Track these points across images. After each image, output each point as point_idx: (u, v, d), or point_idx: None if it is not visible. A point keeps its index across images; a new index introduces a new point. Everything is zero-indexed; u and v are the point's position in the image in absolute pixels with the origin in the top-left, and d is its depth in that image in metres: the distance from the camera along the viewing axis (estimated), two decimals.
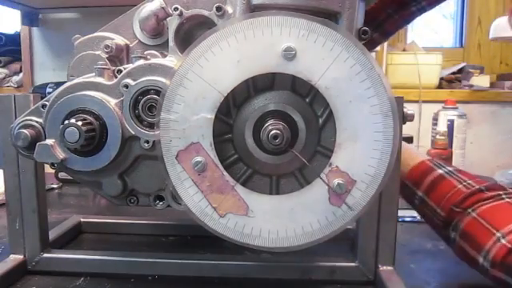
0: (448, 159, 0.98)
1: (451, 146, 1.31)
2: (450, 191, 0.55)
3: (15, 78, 1.76)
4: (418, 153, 0.65)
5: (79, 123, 0.46)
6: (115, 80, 0.49)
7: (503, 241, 0.46)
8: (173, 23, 0.51)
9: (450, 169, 0.59)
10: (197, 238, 0.69)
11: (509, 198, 0.51)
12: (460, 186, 0.55)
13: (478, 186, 0.53)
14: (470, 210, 0.52)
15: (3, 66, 1.81)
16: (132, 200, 0.52)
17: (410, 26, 2.19)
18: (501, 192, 0.52)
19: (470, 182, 0.55)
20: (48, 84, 1.32)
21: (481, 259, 0.49)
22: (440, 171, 0.58)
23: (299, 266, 0.55)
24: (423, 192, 0.58)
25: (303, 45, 0.41)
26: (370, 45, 0.79)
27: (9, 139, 0.50)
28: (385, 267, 0.53)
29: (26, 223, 0.56)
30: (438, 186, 0.57)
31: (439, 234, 0.58)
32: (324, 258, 0.56)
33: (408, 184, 0.60)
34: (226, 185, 0.44)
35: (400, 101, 0.47)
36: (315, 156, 0.46)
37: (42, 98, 0.51)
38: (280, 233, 0.44)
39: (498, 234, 0.47)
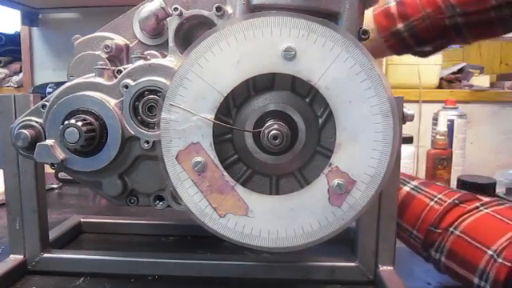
0: (448, 159, 0.98)
1: (451, 146, 1.31)
2: (423, 211, 0.54)
3: (15, 78, 1.76)
4: None
5: (79, 123, 0.46)
6: (115, 80, 0.49)
7: (499, 259, 0.45)
8: (173, 23, 0.51)
9: (415, 183, 0.58)
10: (197, 238, 0.69)
11: (486, 208, 0.51)
12: (432, 203, 0.54)
13: (450, 200, 0.53)
14: (451, 229, 0.50)
15: (3, 66, 1.81)
16: (132, 200, 0.52)
17: None
18: (477, 204, 0.51)
19: (440, 196, 0.54)
20: (48, 84, 1.32)
21: (476, 279, 0.47)
22: (406, 188, 0.58)
23: (299, 266, 0.55)
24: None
25: (303, 45, 0.41)
26: (402, 47, 0.76)
27: (9, 139, 0.50)
28: (385, 267, 0.53)
29: (26, 223, 0.56)
30: (409, 206, 0.56)
31: (418, 254, 0.57)
32: (324, 258, 0.56)
33: None
34: (225, 185, 0.44)
35: (400, 101, 0.47)
36: (315, 156, 0.46)
37: (41, 98, 0.51)
38: (280, 233, 0.44)
39: (490, 252, 0.46)
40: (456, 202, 0.52)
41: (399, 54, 0.79)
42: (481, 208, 0.51)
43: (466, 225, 0.50)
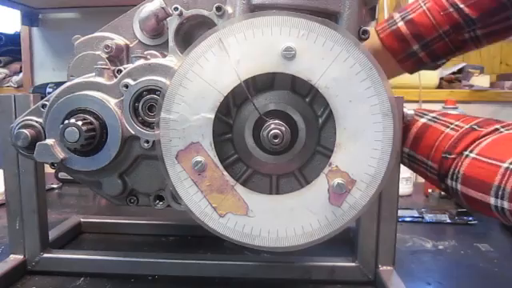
0: None
1: None
2: (438, 138, 0.49)
3: (15, 78, 1.76)
4: None
5: (79, 123, 0.46)
6: (115, 80, 0.49)
7: None
8: (173, 23, 0.51)
9: (434, 114, 0.54)
10: (197, 238, 0.69)
11: (507, 130, 0.46)
12: (447, 130, 0.49)
13: (468, 125, 0.48)
14: (467, 153, 0.46)
15: (3, 66, 1.80)
16: (132, 200, 0.52)
17: None
18: (497, 126, 0.46)
19: (457, 123, 0.50)
20: (48, 84, 1.32)
21: (492, 199, 0.42)
22: (423, 120, 0.53)
23: (299, 266, 0.55)
24: (409, 147, 0.53)
25: (303, 45, 0.41)
26: (417, 65, 0.70)
27: (9, 139, 0.50)
28: (385, 267, 0.53)
29: (26, 223, 0.56)
30: (424, 136, 0.52)
31: (439, 188, 0.53)
32: (324, 258, 0.56)
33: None
34: (225, 185, 0.44)
35: (400, 101, 0.47)
36: (315, 156, 0.46)
37: (41, 98, 0.51)
38: (280, 232, 0.44)
39: (505, 165, 0.41)
40: (474, 127, 0.48)
41: (412, 72, 0.73)
42: (501, 130, 0.46)
43: (483, 146, 0.45)
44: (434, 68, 0.74)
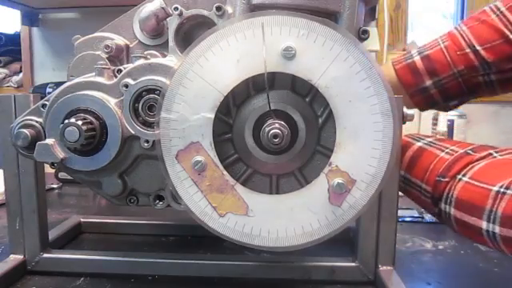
0: None
1: None
2: (433, 162, 0.50)
3: (15, 78, 1.76)
4: None
5: (79, 123, 0.46)
6: (115, 80, 0.49)
7: (509, 191, 0.39)
8: (173, 23, 0.51)
9: (430, 139, 0.55)
10: (197, 238, 0.69)
11: (501, 155, 0.46)
12: (442, 153, 0.50)
13: (462, 150, 0.48)
14: (460, 176, 0.46)
15: (3, 66, 1.81)
16: (132, 200, 0.52)
17: (409, 26, 2.19)
18: (491, 151, 0.47)
19: (452, 147, 0.50)
20: (48, 84, 1.32)
21: (484, 224, 0.42)
22: (419, 144, 0.54)
23: (299, 266, 0.55)
24: (404, 170, 0.54)
25: (303, 44, 0.41)
26: (428, 102, 0.68)
27: (9, 139, 0.50)
28: (385, 267, 0.53)
29: (25, 223, 0.56)
30: (419, 159, 0.52)
31: (431, 213, 0.53)
32: (324, 258, 0.56)
33: None
34: (225, 184, 0.44)
35: (400, 101, 0.47)
36: (315, 155, 0.46)
37: (41, 98, 0.51)
38: (280, 232, 0.44)
39: (496, 188, 0.41)
40: (468, 151, 0.48)
41: (423, 109, 0.71)
42: (495, 155, 0.47)
43: (476, 170, 0.45)
44: (446, 109, 0.72)
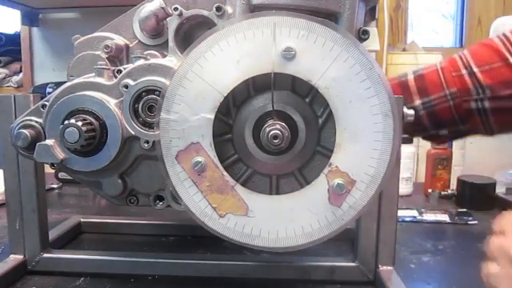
0: (448, 159, 0.98)
1: (451, 146, 1.31)
2: (439, 75, 0.59)
3: (15, 78, 1.76)
4: None
5: (79, 123, 0.46)
6: (115, 80, 0.49)
7: None
8: (173, 23, 0.51)
9: (413, 69, 0.63)
10: (197, 238, 0.69)
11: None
12: (439, 66, 0.60)
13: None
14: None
15: (3, 66, 1.81)
16: (132, 200, 0.52)
17: (409, 26, 2.19)
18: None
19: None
20: (48, 84, 1.32)
21: None
22: (411, 76, 0.62)
23: (299, 266, 0.55)
24: (420, 98, 0.61)
25: (303, 45, 0.41)
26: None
27: (9, 139, 0.50)
28: (385, 267, 0.53)
29: (26, 223, 0.56)
30: (424, 80, 0.60)
31: (459, 114, 0.58)
32: (324, 258, 0.56)
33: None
34: (225, 185, 0.44)
35: (400, 101, 0.47)
36: (315, 156, 0.46)
37: (41, 98, 0.51)
38: (280, 233, 0.44)
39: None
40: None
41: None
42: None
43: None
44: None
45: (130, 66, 0.49)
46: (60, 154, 0.48)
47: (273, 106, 0.44)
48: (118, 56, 0.55)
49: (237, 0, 0.47)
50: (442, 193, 0.94)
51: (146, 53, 0.52)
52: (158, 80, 0.47)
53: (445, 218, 0.81)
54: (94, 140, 0.47)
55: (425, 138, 0.70)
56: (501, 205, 0.86)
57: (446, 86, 0.60)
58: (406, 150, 0.98)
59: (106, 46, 0.53)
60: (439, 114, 0.61)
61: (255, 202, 0.44)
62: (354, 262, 0.55)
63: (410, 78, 0.64)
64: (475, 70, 0.58)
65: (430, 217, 0.82)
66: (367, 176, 0.42)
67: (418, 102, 0.63)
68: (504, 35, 0.58)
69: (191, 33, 0.53)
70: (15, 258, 0.56)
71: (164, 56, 0.53)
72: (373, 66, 0.41)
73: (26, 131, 0.49)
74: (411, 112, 0.51)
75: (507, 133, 0.63)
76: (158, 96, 0.46)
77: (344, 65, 0.41)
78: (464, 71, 0.56)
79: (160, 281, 0.55)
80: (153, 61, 0.49)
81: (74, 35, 0.56)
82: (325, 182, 0.43)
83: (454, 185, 0.96)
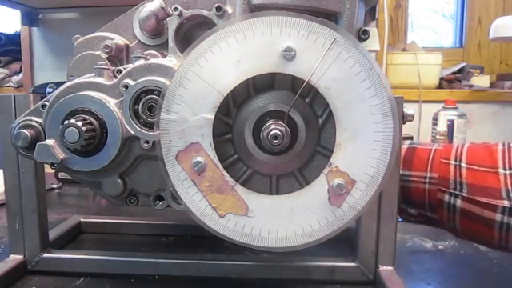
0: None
1: None
2: (430, 152, 0.57)
3: (15, 78, 1.76)
4: None
5: (79, 123, 0.46)
6: (115, 80, 0.49)
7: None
8: (173, 23, 0.51)
9: (409, 142, 0.60)
10: (197, 238, 0.69)
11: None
12: (435, 146, 0.57)
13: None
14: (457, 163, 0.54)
15: (3, 66, 1.81)
16: (132, 200, 0.52)
17: (409, 26, 2.19)
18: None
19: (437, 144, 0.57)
20: (48, 84, 1.32)
21: (506, 202, 0.47)
22: (405, 146, 0.59)
23: (299, 266, 0.55)
24: (402, 169, 0.58)
25: (303, 45, 0.41)
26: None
27: (9, 139, 0.50)
28: (385, 267, 0.53)
29: (25, 223, 0.56)
30: (414, 155, 0.58)
31: (435, 203, 0.56)
32: (324, 258, 0.56)
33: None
34: (225, 185, 0.44)
35: (400, 101, 0.47)
36: (315, 156, 0.46)
37: (41, 98, 0.51)
38: (280, 233, 0.44)
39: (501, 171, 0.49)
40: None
41: None
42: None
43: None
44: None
45: (129, 66, 0.49)
46: (60, 154, 0.48)
47: (289, 109, 0.44)
48: (117, 56, 0.55)
49: (237, 0, 0.47)
50: None
51: (146, 53, 0.52)
52: (157, 80, 0.47)
53: None
54: (94, 140, 0.47)
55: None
56: None
57: (429, 168, 0.58)
58: None
59: (106, 46, 0.53)
60: (412, 192, 0.59)
61: (255, 202, 0.44)
62: (354, 262, 0.55)
63: (404, 147, 0.62)
64: (463, 164, 0.56)
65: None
66: (367, 176, 0.42)
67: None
68: (509, 146, 0.55)
69: (191, 33, 0.53)
70: (15, 258, 0.56)
71: (164, 56, 0.53)
72: (373, 66, 0.41)
73: (25, 131, 0.49)
74: (411, 112, 0.51)
75: (472, 241, 0.62)
76: (158, 96, 0.46)
77: (344, 65, 0.41)
78: (452, 161, 0.54)
79: (160, 281, 0.55)
80: (153, 61, 0.49)
81: (74, 35, 0.56)
82: (325, 182, 0.43)
83: None
